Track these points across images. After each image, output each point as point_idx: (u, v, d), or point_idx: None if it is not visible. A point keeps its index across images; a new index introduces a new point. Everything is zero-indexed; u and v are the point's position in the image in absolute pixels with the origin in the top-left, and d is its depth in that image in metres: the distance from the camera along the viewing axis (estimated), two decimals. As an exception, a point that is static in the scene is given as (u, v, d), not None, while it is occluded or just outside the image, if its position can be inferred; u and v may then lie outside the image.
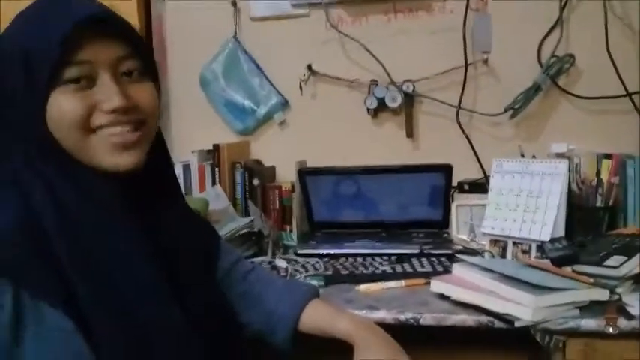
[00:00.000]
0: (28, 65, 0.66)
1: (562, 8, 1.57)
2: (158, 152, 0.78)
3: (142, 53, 0.72)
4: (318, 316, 0.90)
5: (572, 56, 1.55)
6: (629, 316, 0.99)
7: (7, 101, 0.68)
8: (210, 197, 1.53)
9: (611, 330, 0.98)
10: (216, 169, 1.64)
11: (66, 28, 0.65)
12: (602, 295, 1.04)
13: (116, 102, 0.67)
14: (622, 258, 1.08)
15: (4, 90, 0.68)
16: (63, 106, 0.66)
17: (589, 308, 1.02)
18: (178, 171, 1.63)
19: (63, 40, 0.65)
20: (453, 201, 1.53)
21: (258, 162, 1.76)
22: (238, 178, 1.65)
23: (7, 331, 0.60)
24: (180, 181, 1.59)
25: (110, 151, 0.69)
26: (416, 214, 1.56)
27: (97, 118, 0.68)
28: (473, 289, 1.07)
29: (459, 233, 1.49)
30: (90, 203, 0.68)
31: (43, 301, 0.61)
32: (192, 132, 1.81)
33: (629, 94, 1.52)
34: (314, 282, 1.16)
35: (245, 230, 1.43)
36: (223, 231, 1.37)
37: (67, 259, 0.64)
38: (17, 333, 0.60)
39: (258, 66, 1.78)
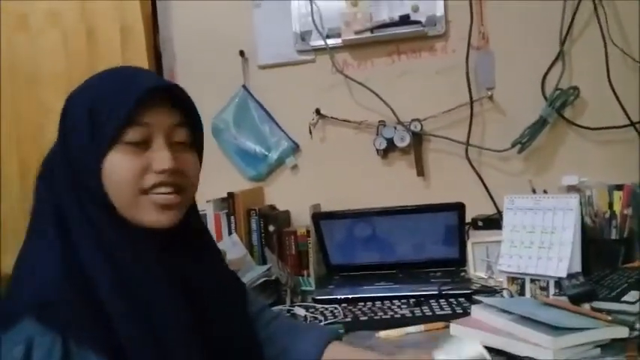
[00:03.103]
0: (94, 122, 0.72)
1: (563, 41, 1.59)
2: (191, 212, 0.85)
3: (193, 123, 0.80)
4: (339, 356, 0.91)
5: (576, 88, 1.57)
6: (651, 353, 0.99)
7: (69, 154, 0.74)
8: (227, 246, 1.55)
9: (632, 368, 0.98)
10: (232, 217, 1.67)
11: (138, 92, 0.72)
12: (621, 332, 1.03)
13: (166, 164, 0.74)
14: (639, 293, 1.08)
15: (68, 145, 0.75)
16: (120, 165, 0.73)
17: (610, 346, 1.02)
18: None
19: (134, 104, 0.71)
20: (468, 238, 1.54)
21: (273, 207, 1.78)
22: (254, 225, 1.66)
23: None
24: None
25: (153, 210, 0.75)
26: (432, 252, 1.57)
27: (148, 179, 0.74)
28: (492, 332, 1.07)
29: (476, 271, 1.49)
30: (131, 254, 0.73)
31: (89, 350, 0.65)
32: (206, 181, 1.82)
33: (633, 124, 1.54)
34: (334, 331, 1.17)
35: (263, 279, 1.44)
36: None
37: (110, 306, 0.68)
38: None
39: (267, 112, 1.82)
